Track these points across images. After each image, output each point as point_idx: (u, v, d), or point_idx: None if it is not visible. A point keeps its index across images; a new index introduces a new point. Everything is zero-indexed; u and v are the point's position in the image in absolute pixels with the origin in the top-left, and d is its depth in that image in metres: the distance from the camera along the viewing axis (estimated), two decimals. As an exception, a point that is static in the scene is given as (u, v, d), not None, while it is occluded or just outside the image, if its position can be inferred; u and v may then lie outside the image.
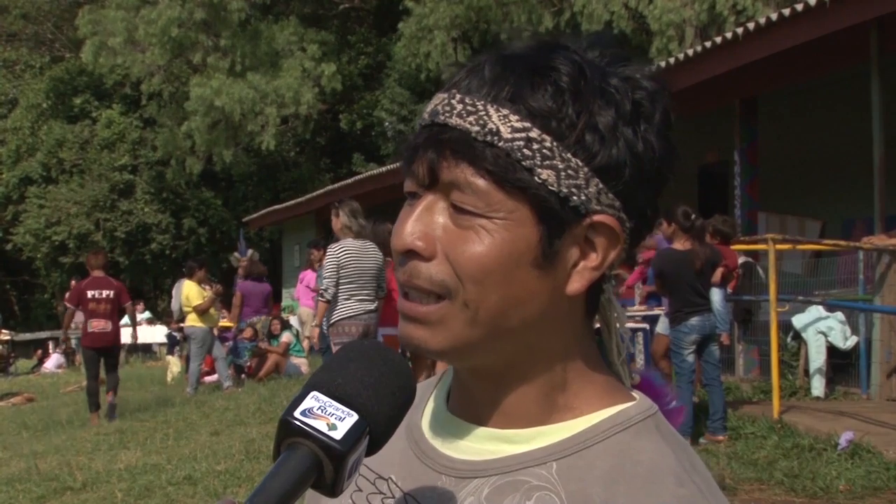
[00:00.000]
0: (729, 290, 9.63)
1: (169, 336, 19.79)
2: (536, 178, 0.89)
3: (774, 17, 9.34)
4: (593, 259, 0.92)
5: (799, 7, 8.90)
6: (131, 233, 31.28)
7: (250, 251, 16.16)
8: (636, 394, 0.98)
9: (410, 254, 0.92)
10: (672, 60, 10.89)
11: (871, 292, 9.31)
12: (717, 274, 8.53)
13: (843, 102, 11.34)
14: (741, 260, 10.22)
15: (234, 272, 16.01)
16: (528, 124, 0.89)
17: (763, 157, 11.68)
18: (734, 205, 11.89)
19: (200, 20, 25.02)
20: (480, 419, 0.97)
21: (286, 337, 15.31)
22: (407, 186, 0.94)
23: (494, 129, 0.88)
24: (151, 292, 33.33)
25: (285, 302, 22.98)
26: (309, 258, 13.48)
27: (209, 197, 31.86)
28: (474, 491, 0.93)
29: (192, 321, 13.57)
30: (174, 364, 17.65)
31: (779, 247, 8.91)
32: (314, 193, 22.52)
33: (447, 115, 0.91)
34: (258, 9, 27.03)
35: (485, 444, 0.96)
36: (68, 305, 12.27)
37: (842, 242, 9.72)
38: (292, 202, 23.34)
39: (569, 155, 0.89)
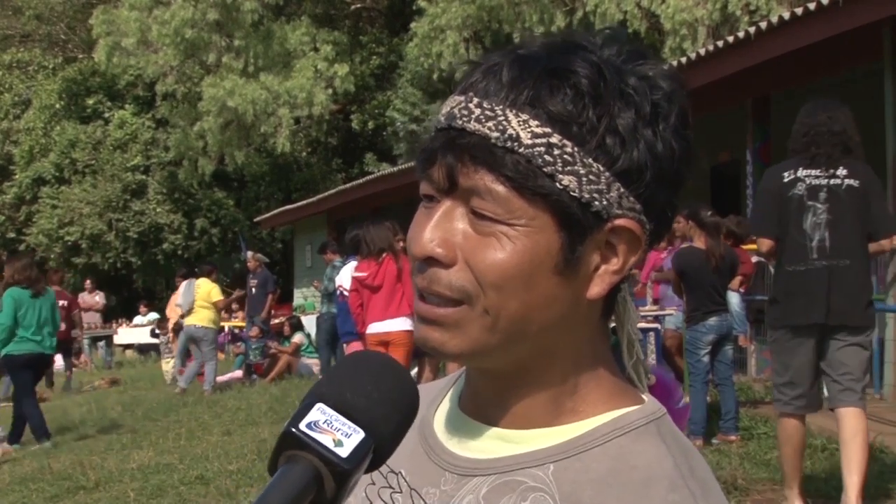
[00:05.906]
0: (741, 289, 9.60)
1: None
2: (558, 185, 0.87)
3: (787, 16, 9.30)
4: (614, 263, 0.92)
5: (812, 6, 8.86)
6: (143, 233, 31.36)
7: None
8: (645, 396, 0.98)
9: (430, 260, 0.91)
10: (685, 60, 10.87)
11: (884, 291, 9.27)
12: (736, 282, 8.50)
13: (855, 101, 11.20)
14: (754, 260, 10.18)
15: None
16: (548, 129, 0.87)
17: (776, 156, 11.58)
18: (746, 204, 11.84)
19: (213, 21, 25.04)
20: (488, 418, 0.97)
21: (297, 338, 15.33)
22: (423, 189, 0.93)
23: (514, 135, 0.87)
24: (164, 292, 33.38)
25: (297, 301, 23.02)
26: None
27: (221, 197, 31.91)
28: (474, 489, 0.93)
29: (205, 322, 13.69)
30: (166, 364, 17.40)
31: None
32: (326, 193, 22.58)
33: (465, 119, 0.89)
34: (271, 9, 27.02)
35: (489, 444, 0.96)
36: None
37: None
38: (304, 202, 23.39)
39: (590, 160, 0.88)
